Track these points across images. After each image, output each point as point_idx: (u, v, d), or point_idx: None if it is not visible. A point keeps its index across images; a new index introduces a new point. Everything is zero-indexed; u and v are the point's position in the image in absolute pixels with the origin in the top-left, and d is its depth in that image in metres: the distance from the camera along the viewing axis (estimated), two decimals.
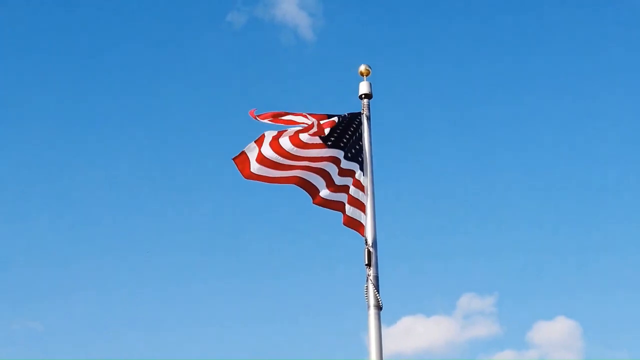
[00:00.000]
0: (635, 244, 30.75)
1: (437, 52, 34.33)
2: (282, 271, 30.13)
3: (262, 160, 9.13)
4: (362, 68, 9.89)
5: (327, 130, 9.23)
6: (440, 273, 30.47)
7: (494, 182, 32.94)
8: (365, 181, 9.32)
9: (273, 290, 29.80)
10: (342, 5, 34.80)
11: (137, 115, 33.35)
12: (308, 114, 9.26)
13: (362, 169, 9.36)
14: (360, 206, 9.18)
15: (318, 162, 9.26)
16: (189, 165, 32.39)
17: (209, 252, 31.05)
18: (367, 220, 9.05)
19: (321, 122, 9.24)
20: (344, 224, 9.21)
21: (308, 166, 9.23)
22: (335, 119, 9.37)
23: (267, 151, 9.15)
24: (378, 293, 8.62)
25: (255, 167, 9.09)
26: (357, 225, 9.13)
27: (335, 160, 9.34)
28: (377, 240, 8.95)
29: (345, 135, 9.43)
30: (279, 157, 9.17)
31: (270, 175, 9.16)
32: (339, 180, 9.32)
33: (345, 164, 9.38)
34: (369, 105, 9.77)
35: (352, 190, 9.28)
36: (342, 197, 9.28)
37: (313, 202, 9.28)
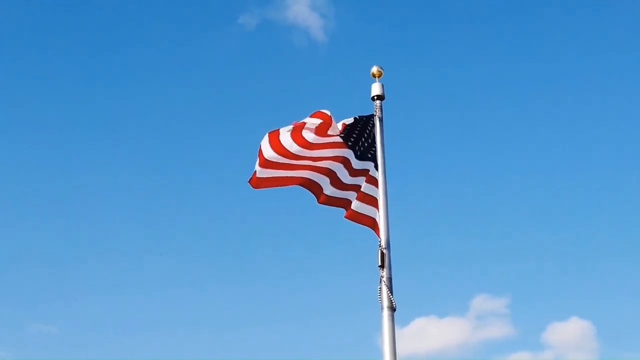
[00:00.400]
0: None
1: (449, 53, 34.30)
2: (295, 273, 30.16)
3: (265, 163, 9.15)
4: (374, 69, 9.88)
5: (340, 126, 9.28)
6: (454, 274, 30.43)
7: (507, 183, 32.87)
8: (379, 182, 9.32)
9: (287, 292, 29.84)
10: (353, 7, 34.84)
11: (148, 116, 33.44)
12: (318, 114, 9.28)
13: (376, 168, 9.37)
14: (374, 202, 9.19)
15: (323, 161, 9.24)
16: (205, 167, 32.47)
17: (223, 255, 31.11)
18: (381, 222, 9.05)
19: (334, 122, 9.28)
20: (349, 217, 9.23)
21: (312, 166, 9.22)
22: (348, 120, 9.39)
23: (269, 152, 9.16)
24: (391, 294, 8.61)
25: (260, 172, 9.13)
26: (368, 221, 9.15)
27: (344, 161, 9.33)
28: (391, 242, 8.95)
29: (358, 136, 9.44)
30: (282, 157, 9.18)
31: (275, 176, 9.15)
32: (349, 180, 9.32)
33: (358, 164, 9.38)
34: (381, 106, 9.76)
35: (365, 187, 9.29)
36: (349, 194, 9.28)
37: (318, 202, 9.29)
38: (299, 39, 33.27)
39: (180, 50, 34.29)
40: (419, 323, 29.13)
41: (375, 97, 9.78)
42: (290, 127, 9.24)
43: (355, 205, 9.25)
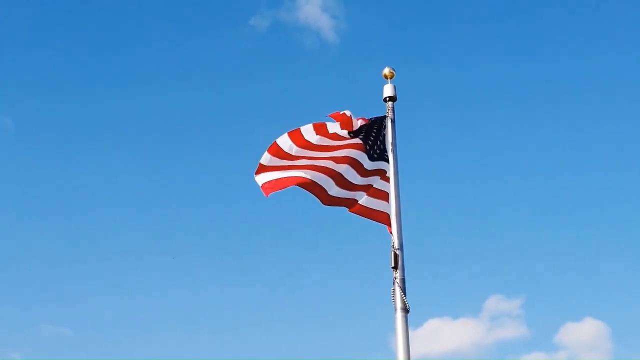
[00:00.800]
0: None
1: (462, 53, 34.24)
2: (309, 273, 30.16)
3: (266, 168, 9.15)
4: (386, 71, 9.88)
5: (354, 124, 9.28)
6: (467, 275, 30.37)
7: (520, 184, 32.80)
8: (388, 187, 9.31)
9: (300, 292, 29.84)
10: (364, 8, 34.83)
11: (158, 116, 33.52)
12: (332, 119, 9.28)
13: (386, 171, 9.38)
14: (387, 197, 9.18)
15: (325, 161, 9.19)
16: (213, 167, 32.53)
17: (236, 254, 31.14)
18: (393, 223, 9.04)
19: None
20: (356, 212, 9.21)
21: (313, 165, 9.15)
22: (359, 121, 9.39)
23: (266, 157, 9.14)
24: (405, 296, 8.60)
25: (262, 178, 9.10)
26: (380, 216, 9.14)
27: (353, 162, 9.30)
28: (404, 243, 8.94)
29: (375, 137, 9.43)
30: (280, 160, 9.17)
31: (282, 177, 9.10)
32: (360, 180, 9.27)
33: (371, 165, 9.36)
34: (393, 107, 9.76)
35: (379, 184, 9.28)
36: (357, 195, 9.25)
37: (323, 204, 9.20)
38: (310, 40, 33.30)
39: (191, 52, 34.37)
40: (432, 324, 29.10)
41: (387, 99, 9.78)
42: (293, 131, 9.23)
43: (365, 200, 9.22)
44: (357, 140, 9.37)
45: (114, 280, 30.26)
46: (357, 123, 9.39)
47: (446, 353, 29.25)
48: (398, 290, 8.63)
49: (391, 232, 9.00)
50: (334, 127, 9.38)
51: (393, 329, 8.56)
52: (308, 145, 9.24)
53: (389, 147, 9.49)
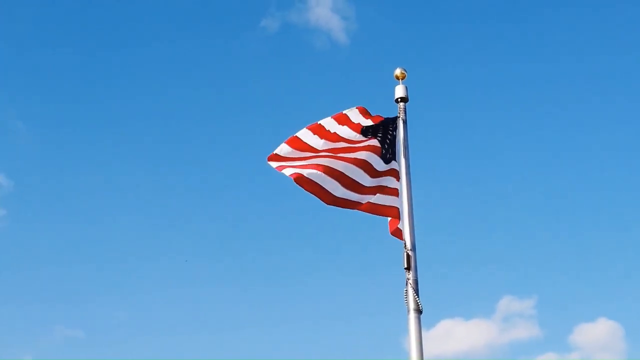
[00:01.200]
0: None
1: (474, 53, 34.19)
2: (322, 275, 30.17)
3: (281, 158, 9.18)
4: (398, 71, 9.87)
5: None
6: (480, 276, 30.30)
7: (533, 184, 32.72)
8: (400, 185, 9.30)
9: (314, 294, 29.85)
10: (374, 8, 34.81)
11: (169, 117, 33.59)
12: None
13: (397, 172, 9.37)
14: (396, 193, 9.19)
15: (339, 162, 9.17)
16: (229, 168, 32.56)
17: (250, 256, 31.18)
18: (405, 224, 9.04)
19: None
20: (365, 210, 9.21)
21: (325, 166, 9.11)
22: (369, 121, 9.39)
23: (284, 149, 9.19)
24: (418, 297, 8.60)
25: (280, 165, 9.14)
26: (389, 211, 9.15)
27: (365, 164, 9.28)
28: (416, 244, 8.93)
29: (391, 138, 9.41)
30: (298, 152, 9.20)
31: (294, 165, 9.09)
32: (370, 181, 9.24)
33: (384, 167, 9.35)
34: (405, 108, 9.75)
35: (394, 184, 9.27)
36: (367, 198, 9.23)
37: (327, 204, 9.16)
38: (320, 42, 33.31)
39: (202, 54, 34.44)
40: (445, 325, 29.06)
41: (399, 100, 9.78)
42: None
43: (376, 198, 9.21)
44: (373, 142, 9.34)
45: (126, 281, 30.34)
46: (367, 122, 9.40)
47: (459, 354, 29.20)
48: (411, 291, 8.62)
49: (393, 232, 9.00)
50: (356, 117, 9.38)
51: (406, 330, 8.55)
52: (328, 139, 9.26)
53: (401, 148, 9.49)
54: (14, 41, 33.60)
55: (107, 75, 33.88)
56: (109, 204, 32.27)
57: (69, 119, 33.43)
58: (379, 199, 9.27)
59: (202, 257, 31.05)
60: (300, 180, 8.93)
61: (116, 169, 33.11)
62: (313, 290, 29.92)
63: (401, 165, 9.40)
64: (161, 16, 34.50)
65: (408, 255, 8.79)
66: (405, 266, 8.74)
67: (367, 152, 9.28)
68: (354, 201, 9.22)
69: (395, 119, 9.63)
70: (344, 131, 9.38)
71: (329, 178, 9.06)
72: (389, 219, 9.25)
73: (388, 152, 9.36)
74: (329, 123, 9.40)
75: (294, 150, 9.19)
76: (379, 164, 9.31)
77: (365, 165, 9.23)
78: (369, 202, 9.24)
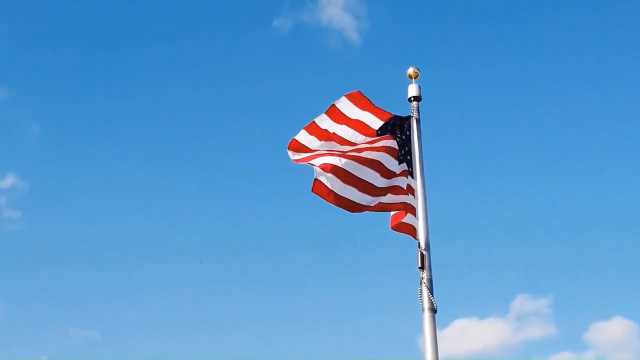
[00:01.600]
0: None
1: (487, 52, 34.09)
2: (337, 274, 30.16)
3: (301, 147, 9.20)
4: (411, 70, 9.85)
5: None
6: (494, 275, 30.21)
7: (546, 183, 32.61)
8: (415, 184, 9.28)
9: (329, 293, 29.85)
10: (386, 7, 34.77)
11: (179, 117, 33.65)
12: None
13: (411, 172, 9.34)
14: (411, 209, 9.16)
15: (354, 163, 9.12)
16: (245, 166, 32.61)
17: (263, 256, 31.20)
18: (419, 224, 9.02)
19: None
20: (395, 229, 9.22)
21: (340, 167, 9.09)
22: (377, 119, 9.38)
23: (303, 136, 9.21)
24: (432, 296, 8.58)
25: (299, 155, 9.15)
26: (407, 228, 9.13)
27: (379, 166, 9.22)
28: (430, 243, 8.91)
29: (401, 138, 9.40)
30: (317, 141, 9.23)
31: (312, 155, 9.09)
32: (384, 182, 9.20)
33: (399, 168, 9.30)
34: (418, 108, 9.73)
35: (405, 183, 9.24)
36: (383, 198, 9.21)
37: (351, 212, 9.12)
38: (333, 41, 33.31)
39: (215, 54, 34.50)
40: (459, 324, 28.99)
41: (412, 99, 9.76)
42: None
43: (386, 199, 9.19)
44: (390, 143, 9.29)
45: (139, 281, 30.42)
46: (376, 121, 9.40)
47: (474, 353, 29.13)
48: (425, 291, 8.60)
49: (394, 227, 8.99)
50: (367, 116, 9.40)
51: (420, 329, 8.54)
52: (345, 128, 9.29)
53: (415, 147, 9.47)
54: (28, 43, 33.75)
55: (121, 76, 34.00)
56: (122, 205, 32.38)
57: (83, 120, 33.55)
58: (389, 198, 9.25)
59: (218, 257, 31.10)
60: (320, 189, 8.91)
61: (130, 170, 33.20)
62: (328, 289, 29.93)
63: (415, 164, 9.37)
64: (174, 16, 34.60)
65: (422, 255, 8.78)
66: (420, 265, 8.72)
67: (381, 153, 9.24)
68: (365, 205, 9.19)
69: (408, 118, 9.61)
70: (360, 129, 9.39)
71: (348, 186, 9.02)
72: (392, 213, 9.25)
73: (400, 153, 9.34)
74: (346, 107, 9.42)
75: (315, 138, 9.24)
76: (393, 165, 9.26)
77: (378, 167, 9.20)
78: (379, 203, 9.22)
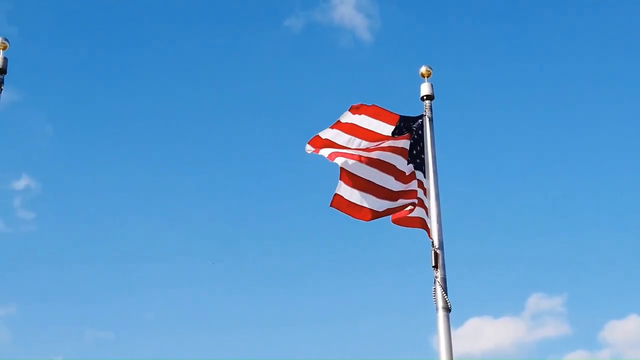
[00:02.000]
0: None
1: (500, 50, 34.02)
2: (351, 273, 30.16)
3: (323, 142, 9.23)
4: (423, 69, 9.85)
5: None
6: (508, 273, 30.13)
7: (560, 182, 32.51)
8: (427, 183, 9.27)
9: (343, 292, 29.85)
10: (398, 6, 34.73)
11: (193, 116, 33.71)
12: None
13: (423, 171, 9.32)
14: (422, 206, 9.14)
15: (368, 169, 9.09)
16: (259, 164, 32.65)
17: (280, 253, 31.24)
18: (433, 223, 9.01)
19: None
20: (396, 222, 9.22)
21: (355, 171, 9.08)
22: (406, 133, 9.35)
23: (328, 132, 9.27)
24: (446, 295, 8.57)
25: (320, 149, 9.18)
26: (417, 222, 9.12)
27: (392, 169, 9.18)
28: (444, 242, 8.91)
29: (412, 138, 9.38)
30: (340, 134, 9.27)
31: (332, 152, 9.11)
32: (399, 186, 9.17)
33: (408, 168, 9.30)
34: (431, 106, 9.72)
35: (420, 193, 9.23)
36: (400, 202, 9.18)
37: (368, 220, 9.12)
38: (345, 40, 33.31)
39: (227, 53, 34.56)
40: (473, 323, 28.93)
41: (425, 97, 9.75)
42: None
43: (397, 203, 9.18)
44: (402, 144, 9.25)
45: (152, 281, 30.50)
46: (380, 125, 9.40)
47: (488, 352, 29.07)
48: (439, 290, 8.59)
49: (395, 220, 9.01)
50: (380, 124, 9.41)
51: (434, 328, 8.53)
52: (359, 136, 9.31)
53: (428, 146, 9.46)
54: (40, 45, 33.90)
55: (133, 77, 34.10)
56: (135, 205, 32.47)
57: (96, 121, 33.67)
58: (402, 202, 9.22)
59: (233, 257, 31.15)
60: (339, 203, 8.90)
61: (144, 170, 33.30)
62: (342, 288, 29.93)
63: (428, 163, 9.36)
64: (185, 16, 34.68)
65: (436, 254, 8.77)
66: (433, 264, 8.72)
67: (393, 154, 9.18)
68: (391, 208, 9.14)
69: (421, 116, 9.60)
70: (374, 127, 9.40)
71: (366, 195, 8.98)
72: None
73: (412, 152, 9.32)
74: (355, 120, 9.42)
75: (339, 130, 9.27)
76: (405, 167, 9.22)
77: (392, 170, 9.15)
78: (396, 207, 9.18)
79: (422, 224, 9.08)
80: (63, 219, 31.85)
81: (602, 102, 33.15)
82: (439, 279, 8.64)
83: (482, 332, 29.19)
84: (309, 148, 9.12)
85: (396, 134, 9.34)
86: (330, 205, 8.86)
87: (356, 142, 9.29)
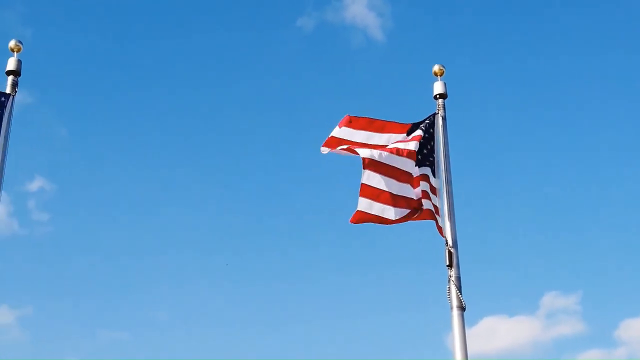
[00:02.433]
0: None
1: (513, 48, 33.92)
2: (365, 271, 30.13)
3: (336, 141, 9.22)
4: (436, 68, 9.84)
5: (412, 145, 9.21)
6: (523, 272, 30.03)
7: (575, 180, 32.39)
8: (438, 183, 9.25)
9: (356, 291, 29.84)
10: (410, 5, 34.68)
11: (204, 114, 33.76)
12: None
13: (433, 170, 9.30)
14: (436, 209, 9.11)
15: (383, 177, 9.00)
16: (271, 162, 32.68)
17: (295, 251, 31.27)
18: (446, 221, 9.00)
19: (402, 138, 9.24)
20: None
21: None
22: (419, 132, 9.30)
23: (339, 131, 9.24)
24: (461, 294, 8.56)
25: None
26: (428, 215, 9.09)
27: (405, 175, 9.07)
28: (458, 241, 8.89)
29: (423, 139, 9.34)
30: (353, 131, 9.28)
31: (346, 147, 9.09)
32: (413, 192, 9.08)
33: (417, 171, 9.21)
34: (444, 105, 9.71)
35: (425, 186, 9.21)
36: (418, 204, 9.14)
37: (388, 224, 9.10)
38: (357, 39, 33.27)
39: (239, 54, 34.61)
40: (487, 322, 28.84)
41: (438, 96, 9.75)
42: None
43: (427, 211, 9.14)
44: (411, 146, 9.21)
45: (166, 281, 30.58)
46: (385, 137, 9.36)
47: (502, 351, 28.99)
48: (454, 289, 8.58)
49: (443, 234, 8.97)
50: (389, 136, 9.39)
51: (449, 327, 8.52)
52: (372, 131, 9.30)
53: (441, 145, 9.44)
54: (53, 47, 34.05)
55: (146, 77, 34.19)
56: (150, 206, 32.57)
57: (109, 123, 33.78)
58: (419, 203, 9.18)
59: (245, 255, 31.20)
60: (360, 219, 8.87)
61: (158, 170, 33.39)
62: (357, 287, 29.91)
63: (440, 161, 9.35)
64: (197, 15, 34.75)
65: (450, 252, 8.76)
66: (448, 263, 8.71)
67: (408, 159, 9.10)
68: (403, 218, 9.07)
69: (433, 115, 9.59)
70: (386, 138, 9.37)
71: (387, 207, 8.91)
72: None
73: (422, 152, 9.26)
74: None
75: (350, 128, 9.27)
76: (414, 169, 9.16)
77: (408, 178, 9.05)
78: (414, 212, 9.12)
79: (431, 215, 8.99)
80: (77, 220, 31.95)
81: (619, 100, 33.02)
82: (453, 278, 8.62)
83: (497, 331, 29.13)
84: (324, 149, 9.10)
85: (410, 134, 9.33)
86: (351, 222, 8.83)
87: (375, 138, 9.27)
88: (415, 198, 9.00)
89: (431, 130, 9.44)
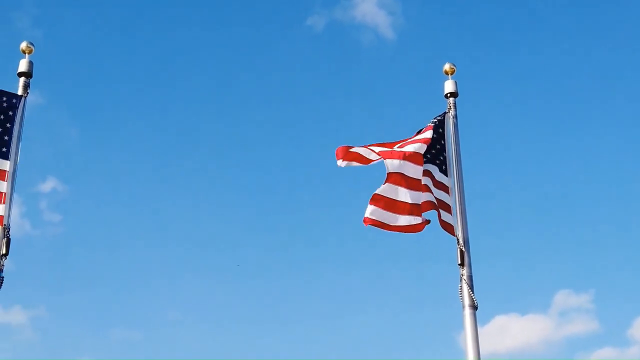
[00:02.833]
0: None
1: (524, 47, 33.84)
2: (376, 269, 30.12)
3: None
4: (447, 67, 9.83)
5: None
6: (535, 270, 29.93)
7: (587, 178, 32.29)
8: (449, 181, 9.23)
9: (368, 289, 29.82)
10: (420, 3, 34.63)
11: (214, 114, 33.79)
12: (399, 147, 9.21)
13: (441, 169, 9.28)
14: (446, 207, 9.08)
15: (392, 186, 8.94)
16: (280, 161, 32.70)
17: (306, 250, 31.27)
18: (458, 220, 8.99)
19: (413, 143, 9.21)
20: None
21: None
22: (429, 134, 9.24)
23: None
24: (472, 292, 8.55)
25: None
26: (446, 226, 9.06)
27: (413, 182, 8.98)
28: (470, 240, 8.88)
29: (433, 145, 9.29)
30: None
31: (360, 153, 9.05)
32: (426, 196, 9.05)
33: (422, 170, 9.14)
34: (455, 103, 9.70)
35: (438, 193, 9.17)
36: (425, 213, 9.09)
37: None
38: (367, 38, 33.23)
39: (249, 53, 34.64)
40: (499, 321, 28.78)
41: (449, 95, 9.74)
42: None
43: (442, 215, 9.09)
44: (416, 148, 9.14)
45: (178, 281, 30.64)
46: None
47: (514, 350, 28.93)
48: (465, 287, 8.57)
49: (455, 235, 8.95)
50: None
51: (461, 326, 8.52)
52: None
53: (451, 144, 9.43)
54: (64, 48, 34.15)
55: (155, 77, 34.26)
56: (161, 207, 32.64)
57: (120, 123, 33.87)
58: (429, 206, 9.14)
59: (256, 251, 31.25)
60: (373, 222, 8.82)
61: (170, 170, 33.46)
62: (368, 285, 29.91)
63: (451, 160, 9.34)
64: (207, 15, 34.80)
65: (462, 251, 8.75)
66: (459, 262, 8.70)
67: (412, 164, 9.02)
68: (416, 225, 9.02)
69: (444, 114, 9.58)
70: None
71: (397, 215, 8.88)
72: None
73: (431, 152, 9.22)
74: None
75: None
76: (419, 173, 9.06)
77: (417, 185, 8.95)
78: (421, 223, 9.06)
79: (432, 206, 8.96)
80: (89, 220, 32.04)
81: (633, 97, 32.89)
82: (465, 277, 8.62)
83: (509, 329, 29.06)
84: (341, 163, 9.00)
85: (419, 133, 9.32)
86: (365, 224, 8.79)
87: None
88: (430, 201, 8.99)
89: (440, 130, 9.43)
